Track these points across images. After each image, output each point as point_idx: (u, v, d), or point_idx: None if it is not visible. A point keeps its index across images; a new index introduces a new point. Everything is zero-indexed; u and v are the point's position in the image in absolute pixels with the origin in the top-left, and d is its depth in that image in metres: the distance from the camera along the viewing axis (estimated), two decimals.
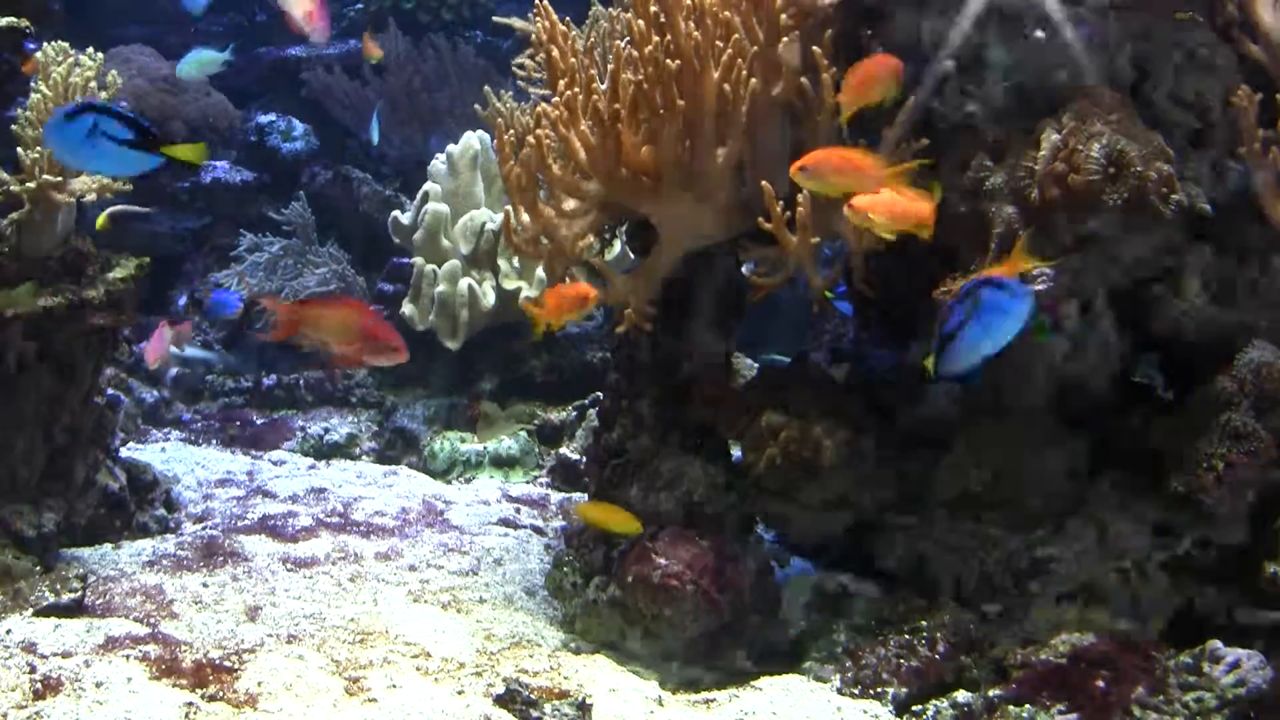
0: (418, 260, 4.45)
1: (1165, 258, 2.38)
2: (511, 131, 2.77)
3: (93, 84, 2.84)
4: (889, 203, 2.23)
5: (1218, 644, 2.22)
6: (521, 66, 2.86)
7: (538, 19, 2.63)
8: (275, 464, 4.24)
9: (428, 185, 4.57)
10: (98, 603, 2.71)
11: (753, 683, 2.50)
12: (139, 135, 2.27)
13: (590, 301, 2.49)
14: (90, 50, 2.91)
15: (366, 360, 2.60)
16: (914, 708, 2.37)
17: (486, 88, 3.03)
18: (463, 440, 4.29)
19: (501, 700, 2.26)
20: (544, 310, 2.52)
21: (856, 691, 2.44)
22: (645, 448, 2.82)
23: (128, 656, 2.37)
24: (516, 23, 3.03)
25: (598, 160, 2.53)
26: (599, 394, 3.94)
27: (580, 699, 2.25)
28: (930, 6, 2.44)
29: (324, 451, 4.42)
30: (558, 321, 2.57)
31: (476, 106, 3.35)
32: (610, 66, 2.53)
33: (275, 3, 3.75)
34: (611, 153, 2.51)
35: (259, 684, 2.30)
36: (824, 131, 2.47)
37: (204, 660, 2.39)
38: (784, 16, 2.45)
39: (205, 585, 2.87)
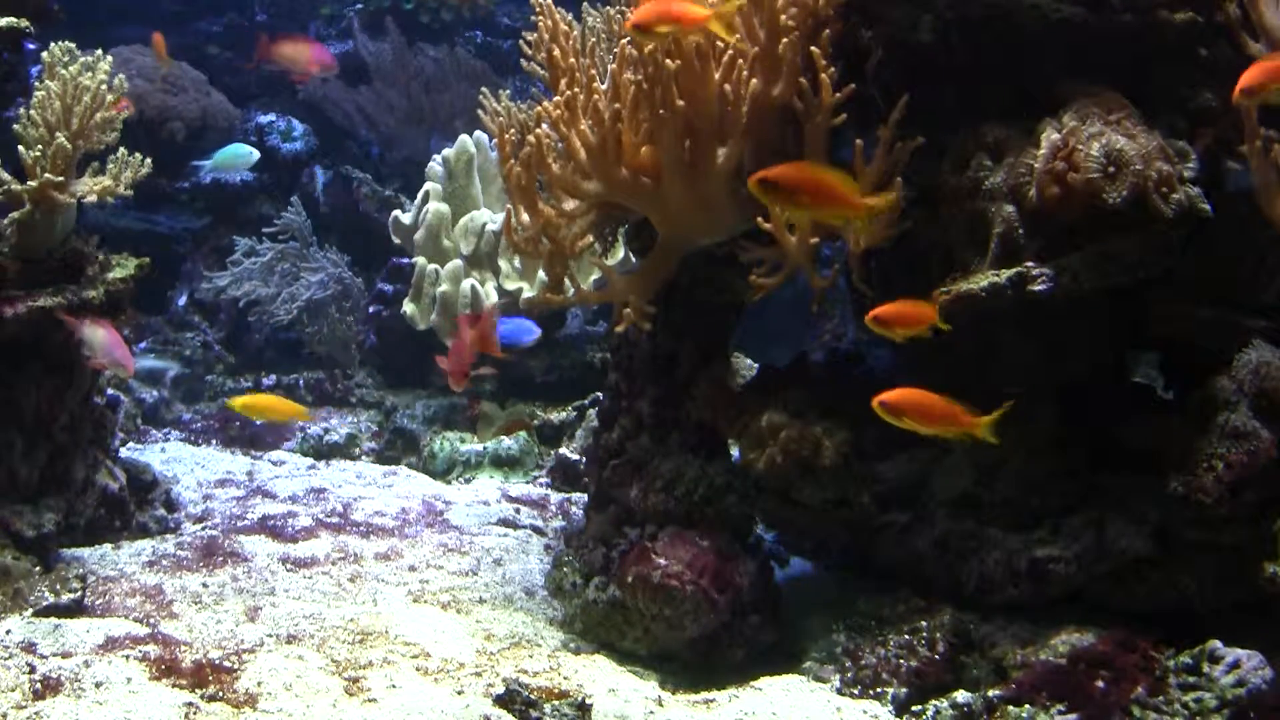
0: (419, 260, 4.45)
1: (1165, 258, 2.38)
2: (512, 131, 2.77)
3: (103, 86, 2.84)
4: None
5: (1218, 644, 2.22)
6: (529, 44, 2.84)
7: (539, 18, 2.63)
8: (275, 464, 4.24)
9: (428, 185, 4.57)
10: (97, 603, 2.70)
11: (752, 683, 2.50)
12: None
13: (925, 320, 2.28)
14: (98, 53, 2.90)
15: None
16: (914, 708, 2.37)
17: (484, 89, 3.03)
18: (462, 440, 4.29)
19: (501, 700, 2.26)
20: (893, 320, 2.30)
21: (856, 691, 2.45)
22: (645, 448, 2.82)
23: (127, 656, 2.37)
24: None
25: (598, 160, 2.53)
26: (599, 394, 3.94)
27: (580, 699, 2.26)
28: None
29: (324, 452, 4.42)
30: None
31: (487, 112, 3.35)
32: (611, 66, 2.53)
33: (271, 67, 3.79)
34: (612, 152, 2.51)
35: (259, 684, 2.30)
36: (823, 132, 2.47)
37: (204, 660, 2.39)
38: (784, 17, 2.45)
39: (205, 585, 2.87)
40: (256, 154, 4.53)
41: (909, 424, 2.23)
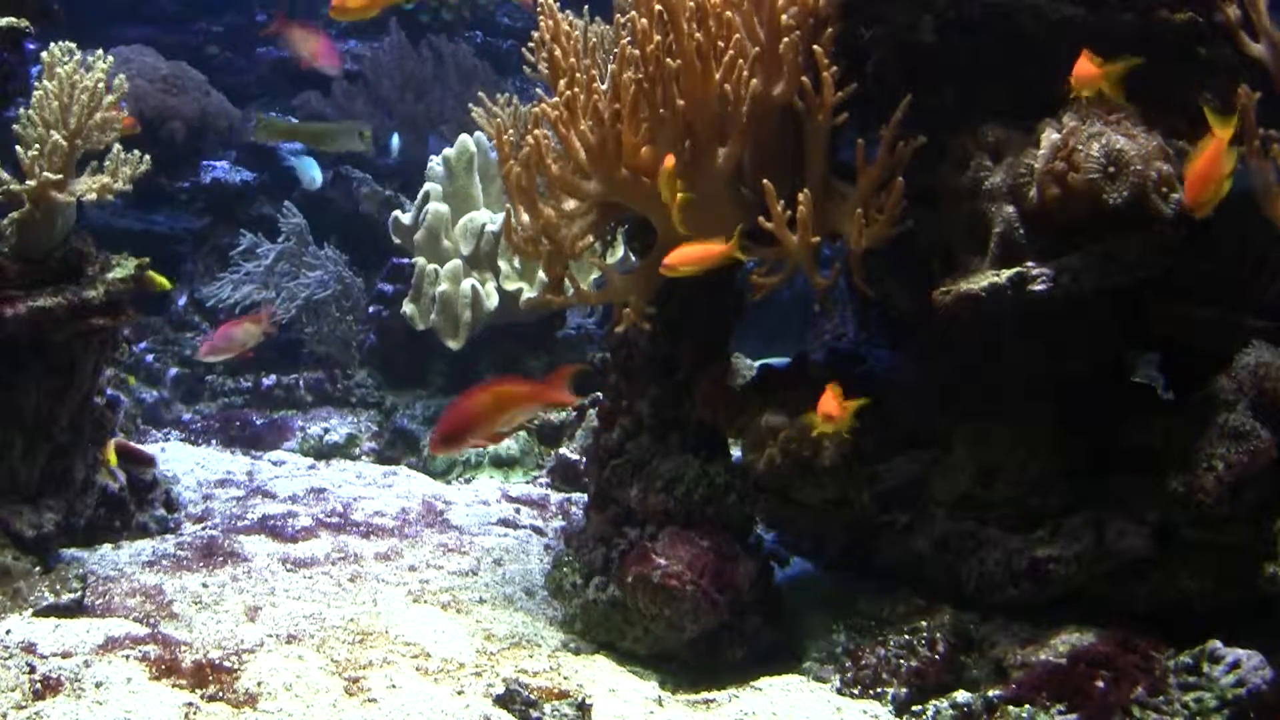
0: (419, 260, 4.45)
1: (1165, 258, 2.38)
2: (511, 131, 2.77)
3: (100, 85, 2.84)
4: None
5: (1217, 644, 2.22)
6: (531, 49, 2.84)
7: (541, 17, 2.63)
8: (275, 464, 4.24)
9: (428, 185, 4.57)
10: (97, 603, 2.71)
11: (753, 683, 2.50)
12: None
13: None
14: (100, 52, 2.90)
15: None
16: (914, 708, 2.37)
17: (481, 93, 3.03)
18: None
19: (501, 700, 2.26)
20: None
21: (856, 692, 2.44)
22: (645, 448, 2.82)
23: (127, 656, 2.37)
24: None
25: (597, 160, 2.53)
26: (599, 394, 3.94)
27: (580, 699, 2.25)
28: None
29: (324, 452, 4.42)
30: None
31: (476, 113, 3.34)
32: (611, 66, 2.52)
33: (282, 48, 3.83)
34: (611, 152, 2.51)
35: (259, 684, 2.30)
36: (824, 131, 2.47)
37: (204, 660, 2.39)
38: (785, 16, 2.45)
39: (205, 585, 2.87)
40: (320, 180, 4.80)
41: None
